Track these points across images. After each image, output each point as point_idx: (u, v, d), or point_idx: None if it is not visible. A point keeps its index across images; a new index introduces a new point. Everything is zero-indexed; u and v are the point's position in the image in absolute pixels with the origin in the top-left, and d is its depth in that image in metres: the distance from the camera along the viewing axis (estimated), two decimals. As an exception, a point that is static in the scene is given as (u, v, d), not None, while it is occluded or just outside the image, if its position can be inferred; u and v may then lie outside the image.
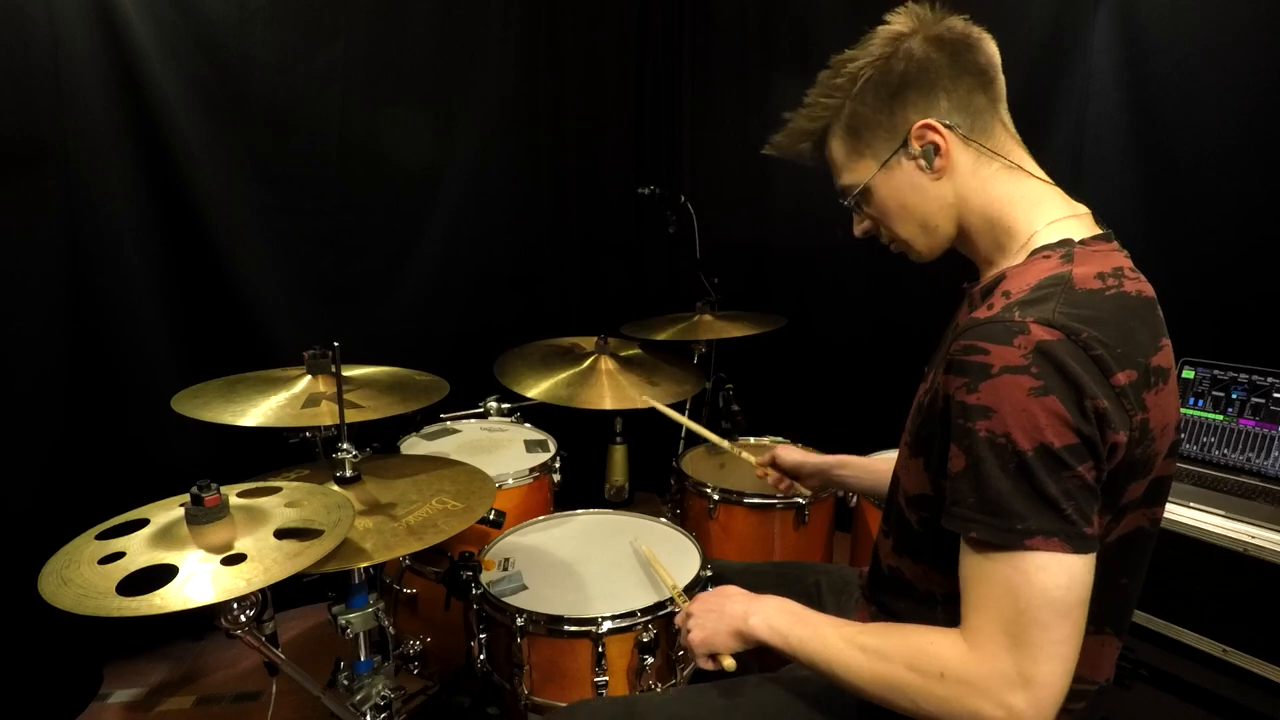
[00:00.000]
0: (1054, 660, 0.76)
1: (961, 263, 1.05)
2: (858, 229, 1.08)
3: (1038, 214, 0.93)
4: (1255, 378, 1.73)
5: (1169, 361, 0.86)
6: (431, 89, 2.57)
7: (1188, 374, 1.82)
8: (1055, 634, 0.76)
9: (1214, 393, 1.78)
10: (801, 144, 1.05)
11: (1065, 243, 0.89)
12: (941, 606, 0.95)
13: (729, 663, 1.09)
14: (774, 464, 1.56)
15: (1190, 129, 1.91)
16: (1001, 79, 0.96)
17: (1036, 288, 0.83)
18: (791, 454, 1.54)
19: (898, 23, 0.96)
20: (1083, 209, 0.96)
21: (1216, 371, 1.78)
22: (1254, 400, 1.73)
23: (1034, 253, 0.90)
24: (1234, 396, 1.75)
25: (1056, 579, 0.76)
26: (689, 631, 1.11)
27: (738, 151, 2.91)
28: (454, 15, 2.58)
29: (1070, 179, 2.11)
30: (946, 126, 0.93)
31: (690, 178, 3.06)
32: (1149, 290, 0.89)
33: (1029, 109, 2.15)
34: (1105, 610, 0.90)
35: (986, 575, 0.79)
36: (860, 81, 0.96)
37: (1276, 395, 1.70)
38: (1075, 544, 0.76)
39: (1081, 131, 2.07)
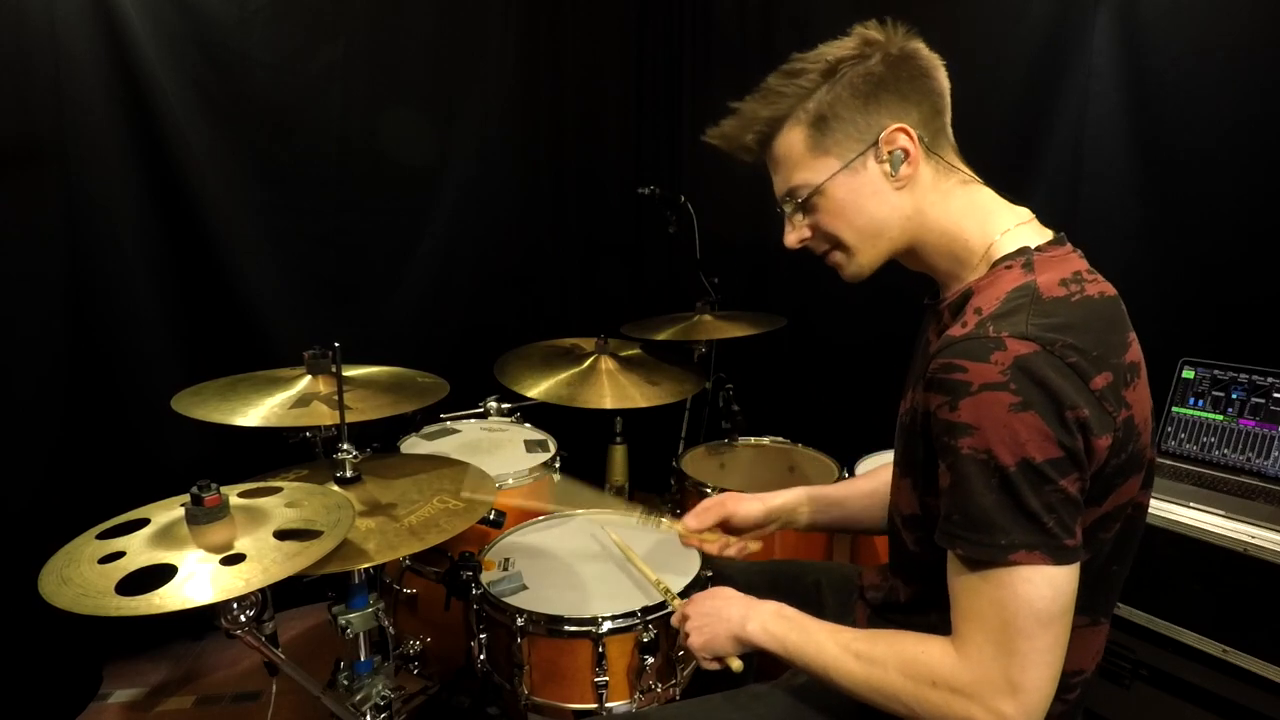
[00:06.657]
0: (1040, 667, 0.78)
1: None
2: (793, 237, 1.00)
3: (991, 224, 0.93)
4: (1255, 378, 1.73)
5: (1138, 355, 0.88)
6: (431, 89, 2.57)
7: (1188, 374, 1.82)
8: (1040, 643, 0.78)
9: (1214, 393, 1.78)
10: (750, 133, 0.98)
11: (1023, 251, 0.89)
12: (935, 613, 0.95)
13: (736, 664, 1.09)
14: (726, 528, 1.33)
15: (1190, 128, 1.91)
16: (949, 110, 0.96)
17: (1005, 300, 0.84)
18: (745, 511, 1.32)
19: (871, 30, 0.93)
20: (1028, 214, 0.95)
21: (1216, 371, 1.78)
22: (1254, 400, 1.72)
23: (995, 264, 0.90)
24: (1234, 396, 1.75)
25: (1040, 590, 0.78)
26: (687, 634, 1.11)
27: (737, 151, 2.90)
28: (454, 15, 2.58)
29: (1070, 178, 2.11)
30: (918, 136, 0.92)
31: (690, 178, 3.05)
32: (1110, 289, 0.90)
33: (1029, 108, 2.15)
34: (1101, 600, 0.92)
35: (973, 588, 0.81)
36: (839, 73, 0.91)
37: (1276, 395, 1.70)
38: (1057, 556, 0.78)
39: (1081, 131, 2.07)
